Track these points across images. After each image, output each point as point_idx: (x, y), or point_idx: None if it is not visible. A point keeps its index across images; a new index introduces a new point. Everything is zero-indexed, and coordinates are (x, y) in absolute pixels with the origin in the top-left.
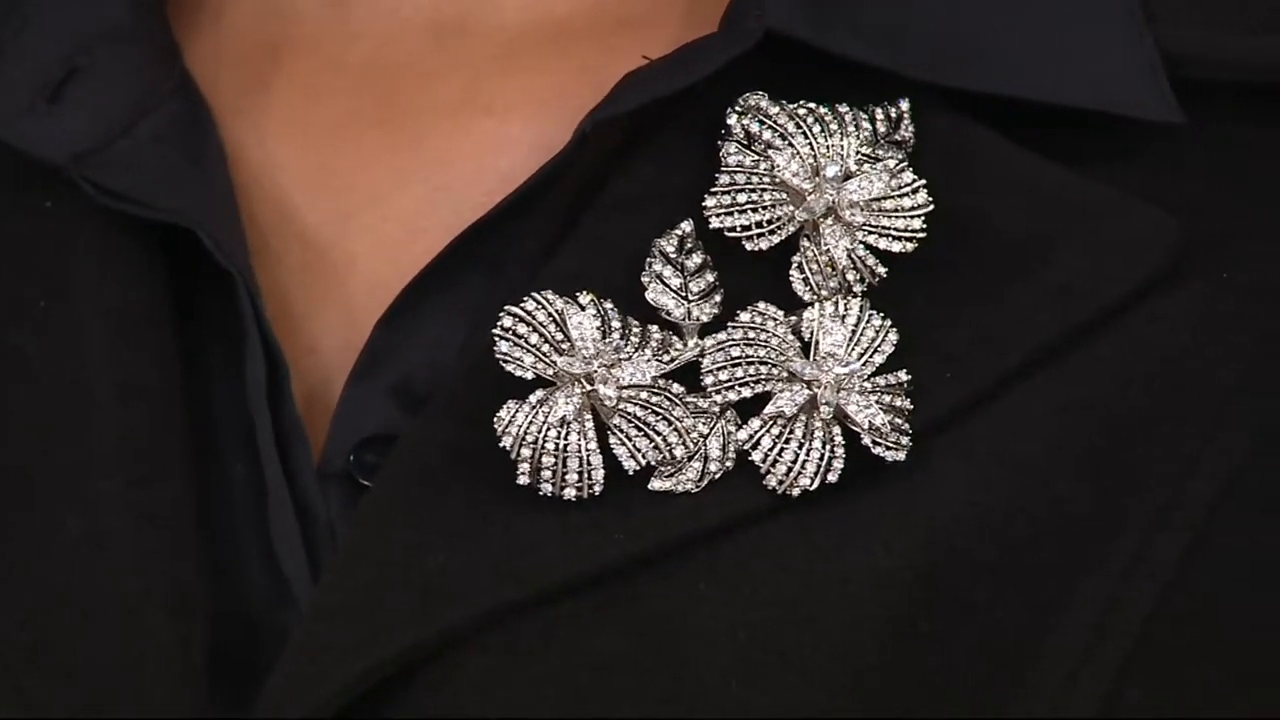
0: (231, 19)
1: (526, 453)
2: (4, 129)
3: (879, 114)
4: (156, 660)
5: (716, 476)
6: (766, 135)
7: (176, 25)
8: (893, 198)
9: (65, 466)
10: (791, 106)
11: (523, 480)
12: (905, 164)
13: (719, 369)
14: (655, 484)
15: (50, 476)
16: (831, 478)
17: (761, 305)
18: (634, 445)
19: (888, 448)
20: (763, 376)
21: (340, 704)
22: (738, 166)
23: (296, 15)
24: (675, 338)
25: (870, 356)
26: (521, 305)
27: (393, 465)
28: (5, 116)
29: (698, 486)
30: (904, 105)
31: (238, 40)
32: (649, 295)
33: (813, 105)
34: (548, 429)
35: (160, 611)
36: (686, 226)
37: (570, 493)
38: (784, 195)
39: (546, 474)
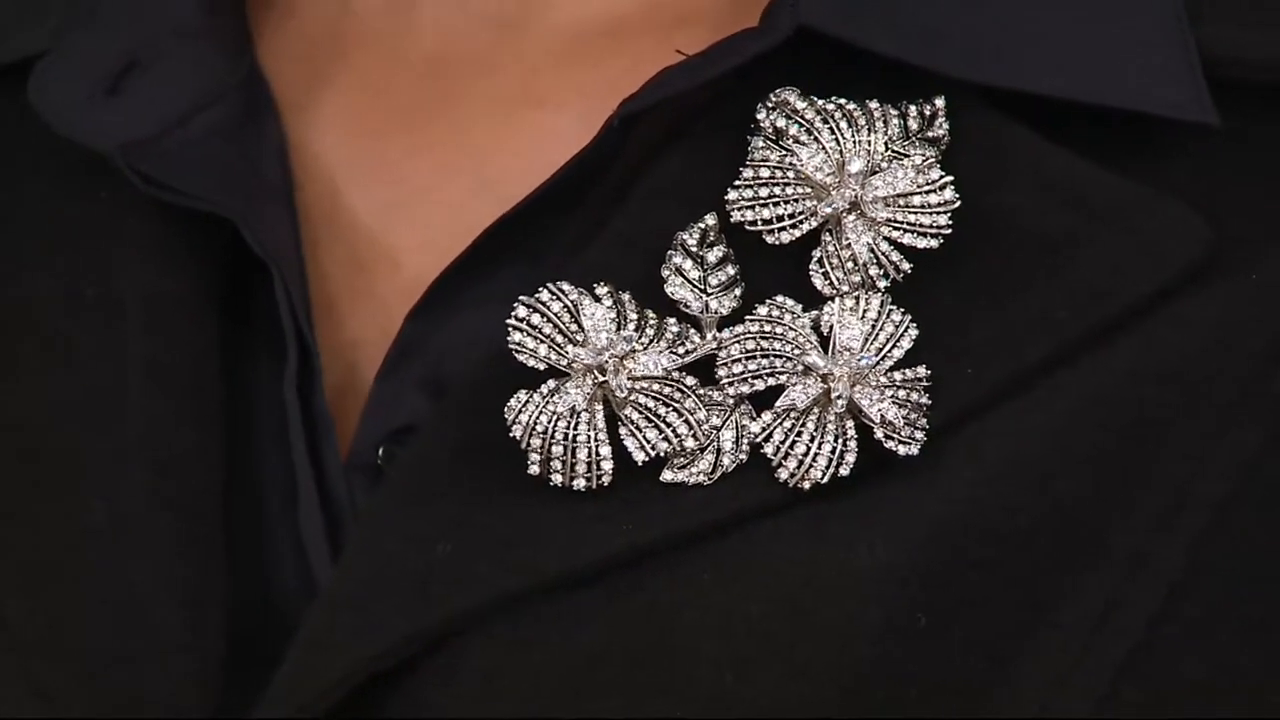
0: (303, 14)
1: (536, 443)
2: (58, 119)
3: (912, 110)
4: (166, 651)
5: (730, 469)
6: (793, 130)
7: (252, 20)
8: (919, 194)
9: (96, 454)
10: (821, 102)
11: (533, 471)
12: (935, 161)
13: (733, 361)
14: (667, 475)
15: (81, 463)
16: (843, 471)
17: (780, 299)
18: (643, 436)
19: (901, 442)
20: (777, 369)
21: (341, 693)
22: (763, 161)
23: (365, 10)
24: (693, 331)
25: (889, 351)
26: (536, 296)
27: (407, 456)
28: (61, 106)
29: (710, 479)
30: (939, 103)
31: (307, 35)
32: (667, 288)
33: (842, 101)
34: (557, 419)
35: (174, 602)
36: (710, 220)
37: (580, 483)
38: (808, 190)
39: (556, 464)
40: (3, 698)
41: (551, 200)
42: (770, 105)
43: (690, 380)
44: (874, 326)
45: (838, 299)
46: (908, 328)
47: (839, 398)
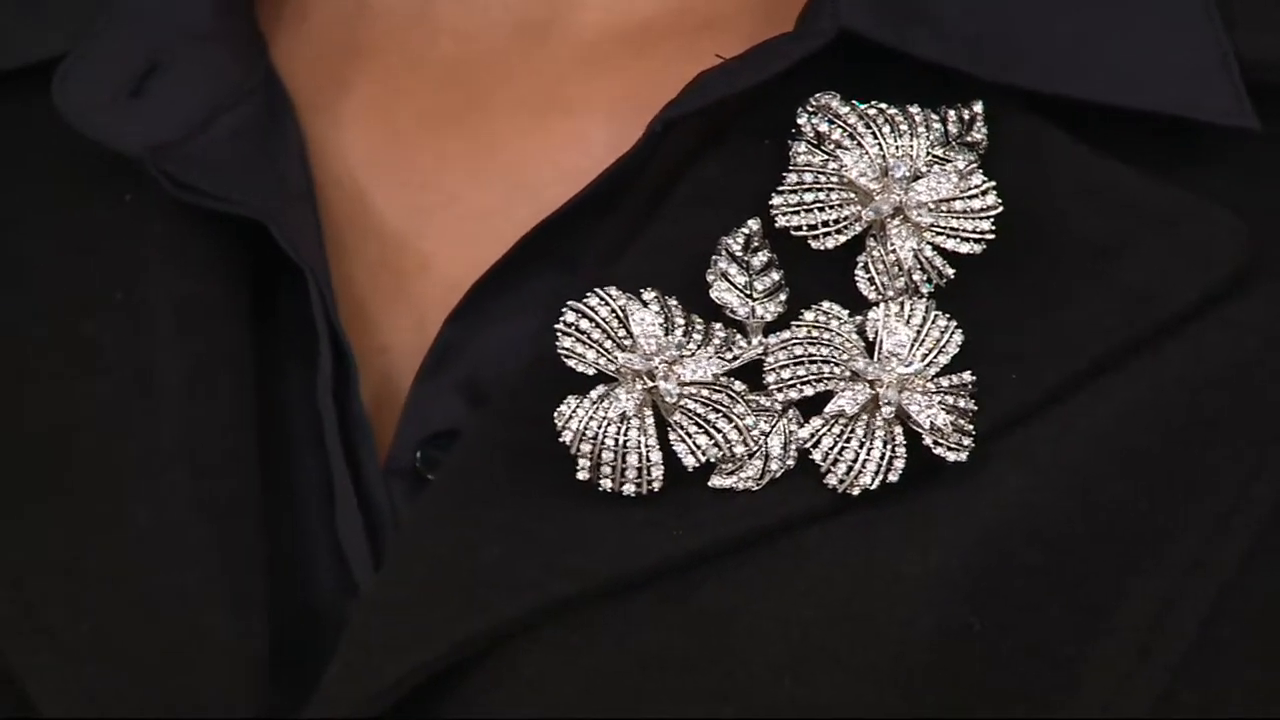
0: (317, 17)
1: (586, 448)
2: (84, 121)
3: (952, 115)
4: (214, 654)
5: (777, 475)
6: (836, 135)
7: (263, 22)
8: (962, 199)
9: (133, 458)
10: (862, 107)
11: (582, 476)
12: (976, 166)
13: (781, 367)
14: (716, 481)
15: (118, 468)
16: (892, 477)
17: (826, 304)
18: (694, 442)
19: (949, 448)
20: (825, 375)
21: (392, 699)
22: (806, 166)
23: (381, 13)
24: (739, 336)
25: (934, 357)
26: (584, 301)
27: (452, 461)
28: (86, 109)
29: (758, 484)
30: (977, 107)
31: (322, 37)
32: (713, 293)
33: (883, 106)
34: (608, 425)
35: (221, 605)
36: (753, 224)
37: (630, 489)
38: (851, 195)
39: (606, 470)
40: (52, 701)
41: (586, 206)
42: (811, 109)
43: (739, 385)
44: (920, 332)
45: (883, 304)
46: (953, 333)
47: (887, 404)
